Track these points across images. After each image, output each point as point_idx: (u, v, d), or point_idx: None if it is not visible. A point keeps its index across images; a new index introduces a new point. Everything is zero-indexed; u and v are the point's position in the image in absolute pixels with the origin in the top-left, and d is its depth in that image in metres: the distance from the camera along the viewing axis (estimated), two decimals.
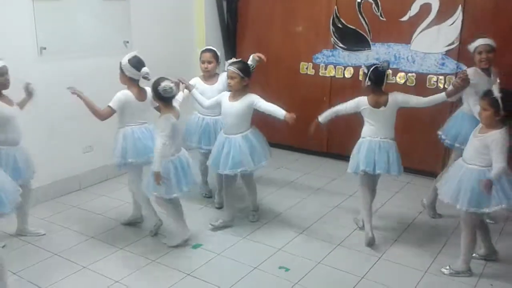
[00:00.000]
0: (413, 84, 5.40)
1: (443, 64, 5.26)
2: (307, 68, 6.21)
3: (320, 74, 6.10)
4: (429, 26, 5.30)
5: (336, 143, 6.20)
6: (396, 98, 3.92)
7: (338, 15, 5.86)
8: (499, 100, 3.17)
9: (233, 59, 4.08)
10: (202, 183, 4.93)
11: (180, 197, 3.91)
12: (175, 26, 6.12)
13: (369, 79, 3.87)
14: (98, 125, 3.99)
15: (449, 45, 5.21)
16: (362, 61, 5.77)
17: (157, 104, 3.85)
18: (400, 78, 5.51)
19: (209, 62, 4.51)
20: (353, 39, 5.79)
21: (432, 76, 5.33)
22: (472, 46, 4.20)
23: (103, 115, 3.83)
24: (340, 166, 5.91)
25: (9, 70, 3.63)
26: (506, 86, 3.37)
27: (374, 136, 3.98)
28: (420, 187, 5.15)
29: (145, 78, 3.87)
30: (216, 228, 4.24)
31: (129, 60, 3.86)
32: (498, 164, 3.18)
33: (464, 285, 3.49)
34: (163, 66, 5.43)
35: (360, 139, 4.10)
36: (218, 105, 4.21)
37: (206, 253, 3.88)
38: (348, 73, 5.90)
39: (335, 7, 5.85)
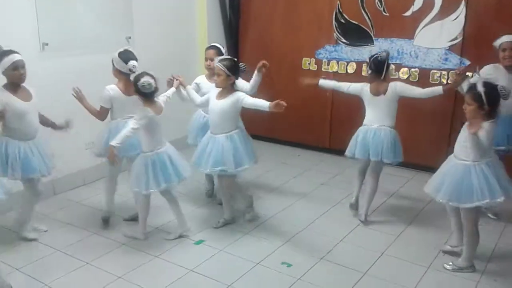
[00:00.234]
0: (416, 80, 5.38)
1: (446, 59, 5.24)
2: (309, 64, 6.19)
3: (323, 69, 6.08)
4: (432, 21, 5.27)
5: (338, 138, 6.17)
6: (395, 87, 4.05)
7: (341, 10, 5.83)
8: (482, 95, 3.19)
9: (223, 56, 4.02)
10: (206, 180, 4.91)
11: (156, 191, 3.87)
12: (177, 22, 6.10)
13: (370, 68, 4.11)
14: (100, 121, 4.03)
15: (452, 40, 5.19)
16: (365, 56, 5.74)
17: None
18: (403, 74, 5.49)
19: (212, 60, 4.34)
20: (356, 34, 5.77)
21: (435, 71, 5.31)
22: (497, 43, 4.17)
23: (101, 116, 4.01)
24: (342, 162, 5.90)
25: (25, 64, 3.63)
26: None
27: (371, 124, 4.17)
28: (423, 183, 5.12)
29: (130, 71, 3.94)
30: (218, 228, 4.24)
31: (119, 53, 3.97)
32: (480, 139, 3.18)
33: (467, 281, 3.48)
34: (165, 61, 5.48)
35: (361, 127, 4.27)
36: (208, 103, 4.10)
37: (209, 249, 3.88)
38: (351, 69, 5.88)
39: (338, 2, 5.82)
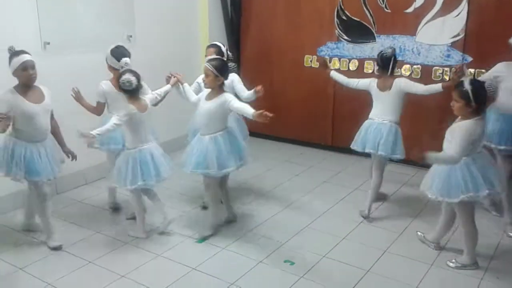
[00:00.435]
0: (419, 76, 5.36)
1: (448, 56, 5.22)
2: (311, 61, 6.18)
3: None
4: (434, 17, 5.26)
5: (340, 136, 6.17)
6: (400, 83, 4.16)
7: (342, 7, 5.82)
8: (470, 93, 3.24)
9: (212, 56, 3.95)
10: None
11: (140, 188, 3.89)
12: (179, 20, 6.09)
13: (377, 64, 4.32)
14: (100, 118, 4.04)
15: (455, 36, 5.17)
16: (367, 53, 5.74)
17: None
18: (405, 71, 5.48)
19: None
20: (358, 31, 5.75)
21: (437, 68, 5.29)
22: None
23: (97, 111, 4.13)
24: (344, 159, 5.91)
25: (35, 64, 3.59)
26: None
27: (375, 117, 4.30)
28: None
29: (122, 68, 3.94)
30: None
31: (111, 50, 4.05)
32: (450, 151, 3.28)
33: (470, 278, 3.47)
34: (166, 59, 5.48)
35: (366, 120, 4.40)
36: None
37: (211, 247, 3.88)
38: (353, 66, 5.87)
39: None
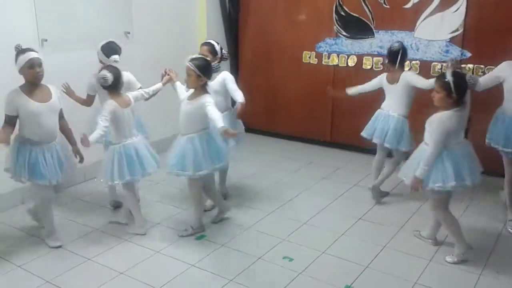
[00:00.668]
0: (417, 72, 5.34)
1: (447, 51, 5.21)
2: (310, 57, 6.17)
3: (323, 63, 6.06)
4: (432, 13, 5.25)
5: (339, 132, 6.18)
6: (406, 76, 4.26)
7: (341, 2, 5.80)
8: (451, 84, 3.30)
9: (195, 55, 3.84)
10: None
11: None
12: (177, 16, 6.08)
13: (387, 57, 4.43)
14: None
15: (453, 32, 5.16)
16: (365, 49, 5.74)
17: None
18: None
19: (204, 56, 4.08)
20: (357, 27, 5.74)
21: (436, 63, 5.29)
22: None
23: (87, 102, 4.20)
24: (343, 155, 5.92)
25: (42, 62, 3.52)
26: None
27: (385, 108, 4.45)
28: None
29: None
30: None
31: (102, 46, 4.10)
32: (429, 148, 3.38)
33: (469, 273, 3.47)
34: (164, 56, 5.46)
35: (378, 110, 4.54)
36: None
37: (210, 244, 3.88)
38: (351, 62, 5.86)
39: None
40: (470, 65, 5.02)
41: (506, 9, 4.84)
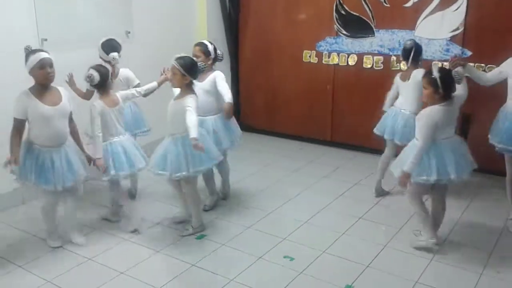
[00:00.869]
0: None
1: (447, 50, 5.21)
2: (310, 56, 6.16)
3: (324, 62, 6.05)
4: (433, 12, 5.24)
5: (339, 131, 6.18)
6: (417, 74, 4.20)
7: (341, 1, 5.80)
8: (438, 80, 3.40)
9: (181, 54, 3.79)
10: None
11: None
12: (177, 16, 6.07)
13: (401, 55, 4.52)
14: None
15: (454, 30, 5.15)
16: (366, 48, 5.73)
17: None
18: (404, 65, 5.44)
19: (197, 57, 4.10)
20: (357, 26, 5.73)
21: (436, 62, 5.27)
22: None
23: (86, 96, 4.26)
24: (344, 155, 5.92)
25: (53, 63, 3.48)
26: None
27: (397, 105, 4.50)
28: None
29: (110, 63, 4.16)
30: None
31: (102, 43, 4.20)
32: (418, 143, 3.46)
33: (470, 272, 3.47)
34: (163, 56, 5.39)
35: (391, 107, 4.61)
36: None
37: (211, 244, 3.88)
38: (352, 61, 5.85)
39: None
40: (471, 64, 4.99)
41: (507, 7, 4.83)
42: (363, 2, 5.63)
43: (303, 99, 6.34)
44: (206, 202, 4.48)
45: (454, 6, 5.10)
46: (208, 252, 3.75)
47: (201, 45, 4.21)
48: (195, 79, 3.81)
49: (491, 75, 4.02)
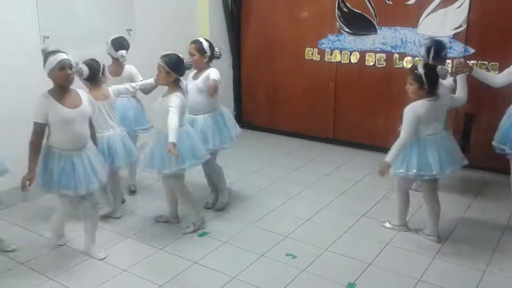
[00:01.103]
0: None
1: (450, 47, 5.17)
2: (312, 54, 6.15)
3: (326, 59, 6.04)
4: (436, 9, 5.22)
5: (342, 129, 6.17)
6: None
7: None
8: (423, 76, 3.48)
9: (168, 51, 3.76)
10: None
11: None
12: (179, 14, 6.06)
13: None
14: None
15: (457, 28, 5.13)
16: (368, 45, 5.71)
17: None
18: (407, 63, 5.45)
19: (192, 55, 4.07)
20: (359, 24, 5.71)
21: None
22: None
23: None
24: (346, 152, 5.91)
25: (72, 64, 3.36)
26: None
27: None
28: None
29: (117, 59, 4.33)
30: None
31: (112, 40, 4.32)
32: (400, 135, 3.56)
33: (473, 271, 3.46)
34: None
35: None
36: None
37: (213, 241, 3.87)
38: (354, 58, 5.84)
39: None
40: (473, 61, 4.99)
41: (510, 5, 4.80)
42: (366, 0, 5.61)
43: (305, 96, 6.33)
44: (208, 200, 4.48)
45: (457, 4, 5.07)
46: (210, 250, 3.75)
47: (196, 42, 4.14)
48: (181, 76, 3.80)
49: (500, 77, 3.95)
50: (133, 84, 4.13)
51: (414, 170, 3.56)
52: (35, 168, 3.30)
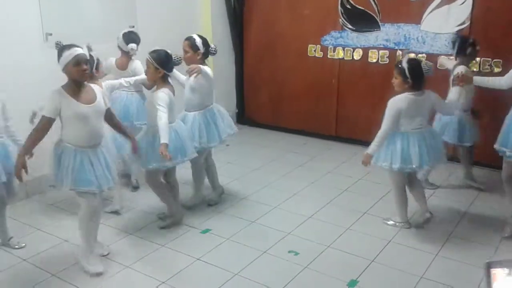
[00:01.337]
0: None
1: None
2: (315, 51, 6.14)
3: (329, 56, 6.03)
4: (439, 5, 5.21)
5: (344, 126, 6.16)
6: (458, 70, 4.20)
7: None
8: (406, 70, 3.59)
9: (156, 48, 3.75)
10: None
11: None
12: (181, 11, 6.06)
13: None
14: None
15: (460, 24, 5.12)
16: (371, 42, 5.70)
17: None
18: None
19: (185, 52, 4.08)
20: (362, 20, 5.70)
21: (443, 56, 5.23)
22: None
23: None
24: (349, 150, 5.90)
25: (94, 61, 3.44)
26: None
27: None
28: (435, 171, 5.08)
29: (128, 53, 4.46)
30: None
31: (123, 33, 4.46)
32: (381, 127, 3.70)
33: (476, 268, 3.44)
34: (168, 49, 5.43)
35: None
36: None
37: (215, 238, 3.88)
38: (357, 55, 5.83)
39: None
40: (477, 58, 4.96)
41: None
42: None
43: (308, 93, 6.32)
44: (210, 197, 4.48)
45: (461, 0, 5.06)
46: (213, 247, 3.75)
47: (189, 39, 4.12)
48: (169, 72, 3.81)
49: (506, 78, 3.83)
50: (127, 79, 4.22)
51: (398, 164, 3.67)
52: (32, 147, 3.16)
